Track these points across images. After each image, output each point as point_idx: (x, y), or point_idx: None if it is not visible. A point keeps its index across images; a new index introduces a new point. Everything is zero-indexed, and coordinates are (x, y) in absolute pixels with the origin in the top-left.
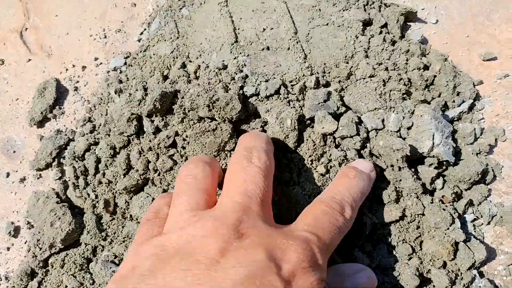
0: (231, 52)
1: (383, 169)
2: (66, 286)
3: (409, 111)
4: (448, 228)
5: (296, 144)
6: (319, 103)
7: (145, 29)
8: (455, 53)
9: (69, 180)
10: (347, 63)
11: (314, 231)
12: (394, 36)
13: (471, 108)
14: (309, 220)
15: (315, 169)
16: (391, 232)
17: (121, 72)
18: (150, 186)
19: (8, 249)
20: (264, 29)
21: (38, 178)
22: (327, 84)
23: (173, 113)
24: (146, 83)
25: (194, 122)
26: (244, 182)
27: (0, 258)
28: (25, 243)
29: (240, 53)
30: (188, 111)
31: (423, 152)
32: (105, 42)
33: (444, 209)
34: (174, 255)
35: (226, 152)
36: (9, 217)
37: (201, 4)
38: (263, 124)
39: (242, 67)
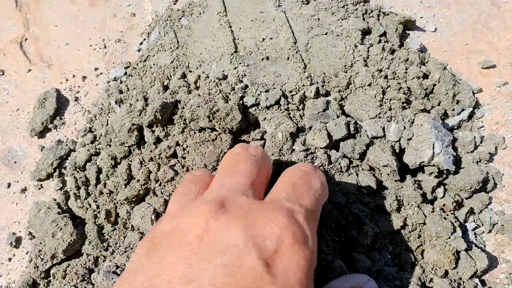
0: (231, 62)
1: (381, 180)
2: None
3: (409, 120)
4: (450, 237)
5: (291, 155)
6: (318, 113)
7: (144, 39)
8: (454, 61)
9: (70, 190)
10: (346, 72)
11: (295, 199)
12: (393, 45)
13: (470, 116)
14: (287, 188)
15: None
16: (393, 241)
17: (121, 82)
18: (151, 196)
19: (10, 259)
20: (263, 39)
21: (39, 189)
22: (327, 94)
23: (173, 124)
24: (147, 93)
25: (194, 132)
26: (234, 165)
27: (2, 269)
28: (27, 253)
29: (240, 63)
30: (189, 121)
31: (423, 162)
32: (105, 52)
33: (445, 218)
34: (162, 241)
35: None
36: (11, 227)
37: (200, 14)
38: (262, 134)
39: (242, 77)
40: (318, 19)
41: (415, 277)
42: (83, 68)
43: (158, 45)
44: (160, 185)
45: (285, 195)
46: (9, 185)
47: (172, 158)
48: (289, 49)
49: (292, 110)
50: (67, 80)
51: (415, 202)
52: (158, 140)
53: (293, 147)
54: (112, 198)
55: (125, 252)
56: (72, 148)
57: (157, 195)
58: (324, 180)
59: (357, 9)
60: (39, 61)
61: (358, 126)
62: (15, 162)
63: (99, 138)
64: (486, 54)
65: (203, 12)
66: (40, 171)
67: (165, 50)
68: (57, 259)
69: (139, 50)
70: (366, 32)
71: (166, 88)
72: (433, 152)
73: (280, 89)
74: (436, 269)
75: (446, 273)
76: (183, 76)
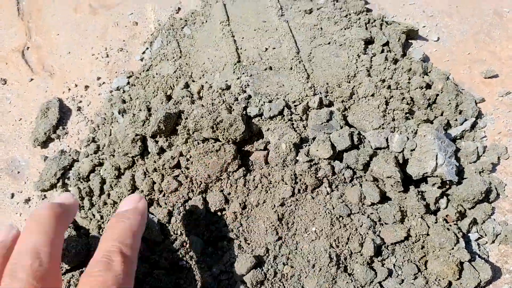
0: (234, 72)
1: (384, 191)
2: None
3: (412, 131)
4: (453, 248)
5: (294, 166)
6: (322, 123)
7: (147, 48)
8: (457, 71)
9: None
10: (349, 82)
11: None
12: (395, 55)
13: (473, 126)
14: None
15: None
16: (396, 252)
17: (124, 91)
18: (155, 207)
19: None
20: (266, 49)
21: (42, 199)
22: (330, 104)
23: (177, 134)
24: (150, 103)
25: (198, 142)
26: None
27: None
28: None
29: (243, 73)
30: (192, 132)
31: (426, 173)
32: (107, 61)
33: (448, 229)
34: None
35: (228, 173)
36: None
37: (203, 23)
38: (265, 145)
39: (245, 87)
40: (321, 28)
41: (418, 287)
42: (86, 77)
43: (160, 54)
44: (164, 195)
45: None
46: (12, 196)
47: (176, 168)
48: (292, 59)
49: (296, 121)
50: (69, 89)
51: (419, 213)
52: (161, 151)
53: (297, 158)
54: (116, 209)
55: None
56: (76, 158)
57: (160, 206)
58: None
59: (359, 18)
60: (41, 70)
61: (361, 136)
62: (18, 172)
63: (103, 148)
64: (488, 64)
65: (206, 21)
66: (44, 181)
67: (168, 60)
68: (62, 270)
69: (141, 60)
70: (368, 41)
71: (169, 98)
72: (436, 163)
73: (283, 100)
74: (439, 280)
75: (450, 284)
76: (186, 86)
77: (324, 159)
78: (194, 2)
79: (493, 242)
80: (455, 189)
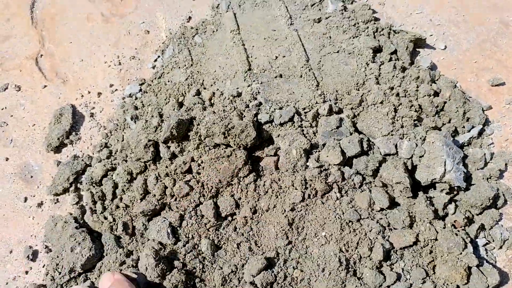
0: (244, 79)
1: (393, 197)
2: None
3: (421, 138)
4: (461, 253)
5: (304, 171)
6: (332, 130)
7: (159, 56)
8: (464, 79)
9: (87, 205)
10: (359, 90)
11: None
12: (404, 63)
13: (480, 133)
14: None
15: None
16: (405, 257)
17: (136, 98)
18: (167, 211)
19: (27, 272)
20: (276, 57)
21: (55, 203)
22: (340, 111)
23: (189, 140)
24: (162, 109)
25: (209, 148)
26: None
27: (19, 282)
28: (43, 267)
29: (254, 80)
30: (204, 138)
31: (435, 179)
32: (119, 69)
33: (456, 234)
34: None
35: (239, 178)
36: (27, 241)
37: (213, 32)
38: (276, 151)
39: (256, 94)
40: (330, 37)
41: None
42: (98, 84)
43: (172, 62)
44: (175, 200)
45: None
46: (25, 199)
47: (187, 173)
48: (302, 67)
49: (306, 127)
50: (82, 96)
51: (427, 219)
52: (173, 156)
53: (307, 163)
54: (128, 212)
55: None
56: (88, 163)
57: (172, 210)
58: None
59: (368, 27)
60: (54, 77)
61: (371, 143)
62: (32, 177)
63: (115, 153)
64: (495, 72)
65: (216, 30)
66: (57, 185)
67: (179, 67)
68: (75, 273)
69: (153, 67)
70: (377, 50)
71: (181, 104)
72: (445, 169)
73: (294, 107)
74: (447, 284)
75: None
76: (198, 93)
77: (334, 165)
78: (205, 11)
79: (501, 247)
80: (463, 195)
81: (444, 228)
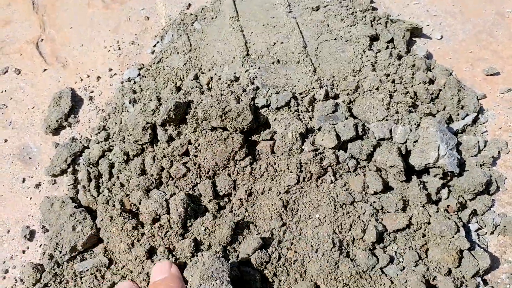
0: (242, 64)
1: (387, 181)
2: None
3: (415, 123)
4: (453, 237)
5: (300, 155)
6: (327, 114)
7: (158, 42)
8: (459, 68)
9: (83, 185)
10: (355, 76)
11: None
12: (400, 51)
13: (475, 121)
14: None
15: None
16: (398, 240)
17: (135, 82)
18: (164, 187)
19: (24, 252)
20: (274, 43)
21: (53, 184)
22: (336, 97)
23: (186, 123)
24: (160, 93)
25: (206, 131)
26: None
27: (16, 261)
28: (40, 246)
29: (251, 65)
30: (201, 121)
31: (428, 163)
32: (119, 54)
33: (449, 218)
34: None
35: (235, 161)
36: (25, 221)
37: (212, 18)
38: (272, 134)
39: (254, 79)
40: (328, 25)
41: (419, 274)
42: (98, 68)
43: (171, 47)
44: (172, 179)
45: None
46: (23, 180)
47: (185, 156)
48: (299, 53)
49: (302, 112)
50: (81, 80)
51: (420, 202)
52: (171, 139)
53: (302, 147)
54: (124, 189)
55: None
56: (86, 145)
57: (169, 186)
58: None
59: (365, 16)
60: (54, 62)
61: (365, 128)
62: (30, 158)
63: (113, 136)
64: (490, 62)
65: (216, 16)
66: (54, 167)
67: (178, 53)
68: (76, 252)
69: (152, 52)
70: (374, 38)
71: (178, 89)
72: (438, 154)
73: (290, 91)
74: (440, 267)
75: (450, 271)
76: (196, 77)
77: (329, 148)
78: None
79: (492, 233)
80: (456, 180)
81: (437, 212)
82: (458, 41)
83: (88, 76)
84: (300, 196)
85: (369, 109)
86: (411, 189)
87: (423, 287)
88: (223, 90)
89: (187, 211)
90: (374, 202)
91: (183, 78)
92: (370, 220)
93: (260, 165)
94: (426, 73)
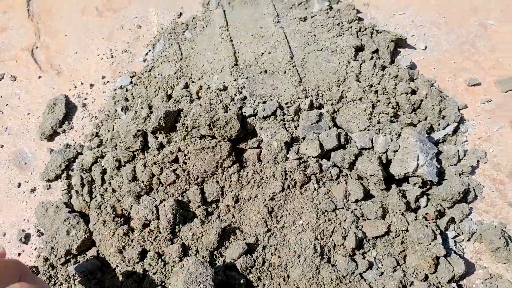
0: (231, 74)
1: (368, 189)
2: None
3: (396, 133)
4: (430, 244)
5: (285, 163)
6: (312, 124)
7: (150, 50)
8: (442, 79)
9: (77, 190)
10: (339, 86)
11: None
12: (384, 62)
13: (455, 131)
14: None
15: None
16: (377, 246)
17: (127, 90)
18: (155, 193)
19: (19, 254)
20: (262, 53)
21: (47, 189)
22: (320, 106)
23: (176, 131)
24: (151, 101)
25: (195, 139)
26: None
27: None
28: (35, 249)
29: (240, 75)
30: (191, 129)
31: (408, 172)
32: (111, 62)
33: (426, 226)
34: None
35: (223, 168)
36: (20, 224)
37: (203, 28)
38: (259, 143)
39: (241, 88)
40: (314, 35)
41: (396, 280)
42: (91, 76)
43: (162, 56)
44: (162, 186)
45: None
46: (19, 185)
47: (174, 163)
48: (286, 63)
49: (288, 121)
50: (75, 87)
51: (399, 210)
52: (161, 146)
53: (287, 155)
54: (116, 195)
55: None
56: (80, 151)
57: (159, 192)
58: None
59: (351, 26)
60: (49, 69)
61: (348, 137)
62: (25, 164)
63: (105, 142)
64: (472, 72)
65: (206, 26)
66: (49, 172)
67: (169, 61)
68: (71, 255)
69: (144, 61)
70: (359, 48)
71: (169, 97)
72: (418, 164)
73: (277, 101)
74: (417, 273)
75: (426, 277)
76: (186, 86)
77: (313, 157)
78: (195, 8)
79: (469, 240)
80: (435, 189)
81: (415, 219)
82: (441, 52)
83: (82, 84)
84: (284, 203)
85: (352, 119)
86: (391, 197)
87: None
88: (212, 99)
89: (176, 217)
90: (355, 209)
91: (174, 86)
92: (350, 227)
93: (247, 173)
94: (409, 83)
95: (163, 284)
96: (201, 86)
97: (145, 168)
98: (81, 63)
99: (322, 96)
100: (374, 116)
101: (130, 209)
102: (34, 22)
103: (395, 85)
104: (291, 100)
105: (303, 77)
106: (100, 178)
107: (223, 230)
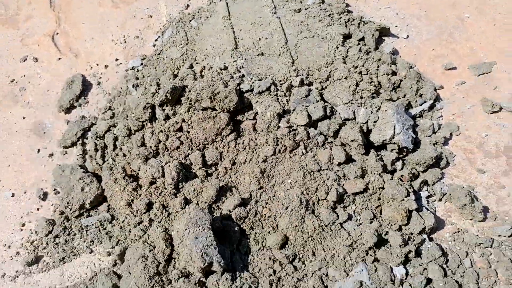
0: (231, 56)
1: (350, 154)
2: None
3: (376, 107)
4: (404, 199)
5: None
6: (301, 98)
7: (159, 37)
8: (422, 64)
9: (90, 152)
10: (327, 67)
11: None
12: (369, 48)
13: (431, 107)
14: None
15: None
16: (356, 201)
17: (138, 71)
18: (161, 156)
19: (38, 209)
20: (260, 39)
21: (64, 154)
22: (310, 84)
23: (181, 104)
24: (159, 80)
25: (198, 111)
26: None
27: (31, 217)
28: (52, 205)
29: (239, 57)
30: (194, 102)
31: (385, 140)
32: (124, 46)
33: (401, 184)
34: None
35: (222, 136)
36: (39, 184)
37: (207, 17)
38: (255, 115)
39: (240, 68)
40: (307, 24)
41: (372, 229)
42: (106, 58)
43: (170, 41)
44: (168, 151)
45: None
46: (38, 151)
47: (179, 131)
48: (281, 47)
49: (280, 96)
50: (91, 67)
51: (377, 171)
52: (167, 117)
53: (279, 124)
54: (126, 159)
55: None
56: (94, 122)
57: (165, 156)
58: None
59: (341, 17)
60: (68, 52)
61: (333, 109)
62: (45, 133)
63: (117, 114)
64: (449, 58)
65: (210, 16)
66: (66, 139)
67: (176, 46)
68: (84, 209)
69: (154, 46)
70: (347, 36)
71: (176, 76)
72: (394, 132)
73: (271, 79)
74: (391, 224)
75: (400, 228)
76: (191, 66)
77: (301, 126)
78: (201, 0)
79: (440, 200)
80: (411, 155)
81: (391, 179)
82: (422, 40)
83: (97, 65)
84: (275, 165)
85: (337, 94)
86: (369, 160)
87: (374, 238)
88: (214, 77)
89: (179, 175)
90: (338, 170)
91: (180, 67)
92: (333, 184)
93: (243, 140)
94: (390, 66)
95: (167, 231)
96: (204, 67)
97: (152, 135)
98: (97, 48)
99: (312, 75)
100: (357, 93)
101: (139, 170)
102: (55, 12)
103: (378, 67)
104: (284, 78)
105: (295, 59)
106: (113, 144)
107: (221, 188)
